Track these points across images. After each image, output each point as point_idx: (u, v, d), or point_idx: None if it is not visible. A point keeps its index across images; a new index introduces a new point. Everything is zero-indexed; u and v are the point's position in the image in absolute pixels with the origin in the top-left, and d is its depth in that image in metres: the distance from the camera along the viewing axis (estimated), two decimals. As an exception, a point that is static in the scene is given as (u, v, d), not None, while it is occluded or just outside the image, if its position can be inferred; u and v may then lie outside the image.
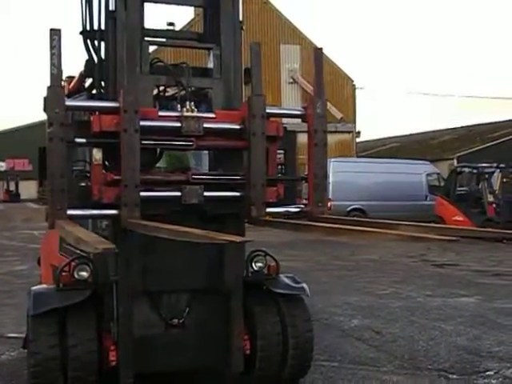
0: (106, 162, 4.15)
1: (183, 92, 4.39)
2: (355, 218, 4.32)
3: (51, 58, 3.88)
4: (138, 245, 4.24)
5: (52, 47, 3.86)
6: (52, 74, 3.88)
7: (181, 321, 4.54)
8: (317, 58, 4.35)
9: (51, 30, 3.94)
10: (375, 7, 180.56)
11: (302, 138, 29.15)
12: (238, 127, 4.27)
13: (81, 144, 4.09)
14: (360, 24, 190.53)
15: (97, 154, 4.00)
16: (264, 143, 4.21)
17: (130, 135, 3.94)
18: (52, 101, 3.87)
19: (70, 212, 3.91)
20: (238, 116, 4.28)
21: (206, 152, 4.80)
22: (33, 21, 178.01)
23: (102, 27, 4.36)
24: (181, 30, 23.62)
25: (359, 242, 14.72)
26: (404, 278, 11.12)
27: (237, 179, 4.30)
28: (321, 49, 4.44)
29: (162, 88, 4.62)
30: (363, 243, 14.92)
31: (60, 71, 3.92)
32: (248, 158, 4.21)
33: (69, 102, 3.98)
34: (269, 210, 4.28)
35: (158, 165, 4.44)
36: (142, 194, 4.00)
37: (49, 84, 3.89)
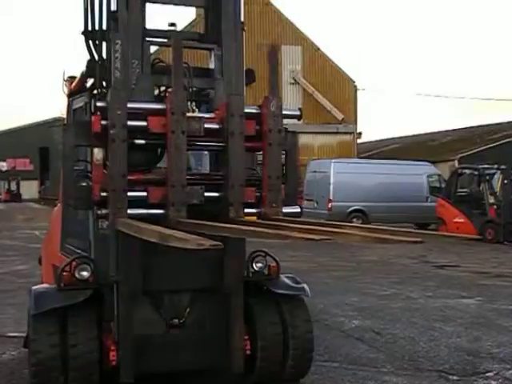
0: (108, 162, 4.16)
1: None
2: (313, 221, 4.22)
3: (114, 62, 3.93)
4: (139, 245, 4.24)
5: (115, 51, 3.91)
6: (115, 78, 3.93)
7: (181, 321, 4.55)
8: (271, 55, 4.27)
9: (115, 34, 4.01)
10: (376, 9, 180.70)
11: (303, 139, 29.14)
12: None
13: (140, 146, 4.11)
14: (361, 25, 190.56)
15: (98, 154, 4.01)
16: (242, 143, 4.17)
17: (177, 137, 3.98)
18: (115, 103, 3.91)
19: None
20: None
21: (207, 152, 4.81)
22: (34, 21, 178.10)
23: (104, 27, 4.37)
24: (182, 31, 23.54)
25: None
26: (404, 279, 11.13)
27: (217, 179, 4.26)
28: (275, 46, 4.37)
29: (163, 88, 4.62)
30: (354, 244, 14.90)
31: (123, 75, 3.95)
32: (226, 157, 4.18)
33: (130, 105, 4.02)
34: (248, 210, 4.25)
35: (159, 165, 4.44)
36: (137, 194, 4.03)
37: (112, 87, 3.94)
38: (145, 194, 4.05)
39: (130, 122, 4.01)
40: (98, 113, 4.01)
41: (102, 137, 3.97)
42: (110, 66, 4.27)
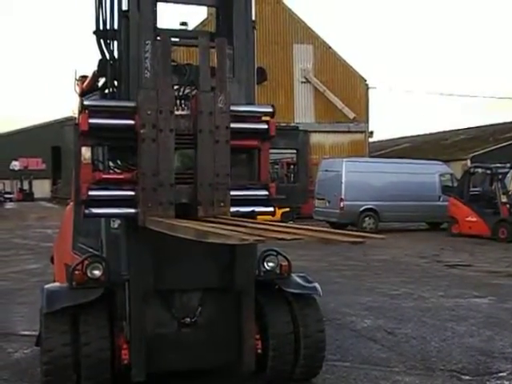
0: (119, 161, 4.18)
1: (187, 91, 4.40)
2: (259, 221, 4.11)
3: (144, 62, 3.97)
4: (151, 244, 4.25)
5: (145, 52, 3.93)
6: (145, 78, 3.94)
7: (193, 320, 4.55)
8: (220, 49, 4.16)
9: (146, 35, 4.06)
10: (387, 7, 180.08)
11: (314, 138, 29.10)
12: (247, 126, 4.27)
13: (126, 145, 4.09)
14: (372, 24, 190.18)
15: (86, 154, 3.98)
16: (212, 141, 4.10)
17: (166, 136, 3.96)
18: (144, 103, 3.91)
19: None
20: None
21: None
22: (47, 20, 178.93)
23: (115, 27, 4.37)
24: (193, 30, 23.64)
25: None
26: (416, 279, 11.08)
27: (186, 177, 4.20)
28: (223, 39, 4.25)
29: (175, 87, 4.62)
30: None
31: (152, 75, 3.96)
32: (195, 155, 4.13)
33: (118, 103, 4.04)
34: (234, 209, 4.21)
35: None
36: (125, 193, 4.03)
37: (142, 87, 3.94)
38: (133, 193, 4.02)
39: (116, 121, 4.01)
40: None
41: (89, 135, 3.93)
42: (122, 65, 4.28)
